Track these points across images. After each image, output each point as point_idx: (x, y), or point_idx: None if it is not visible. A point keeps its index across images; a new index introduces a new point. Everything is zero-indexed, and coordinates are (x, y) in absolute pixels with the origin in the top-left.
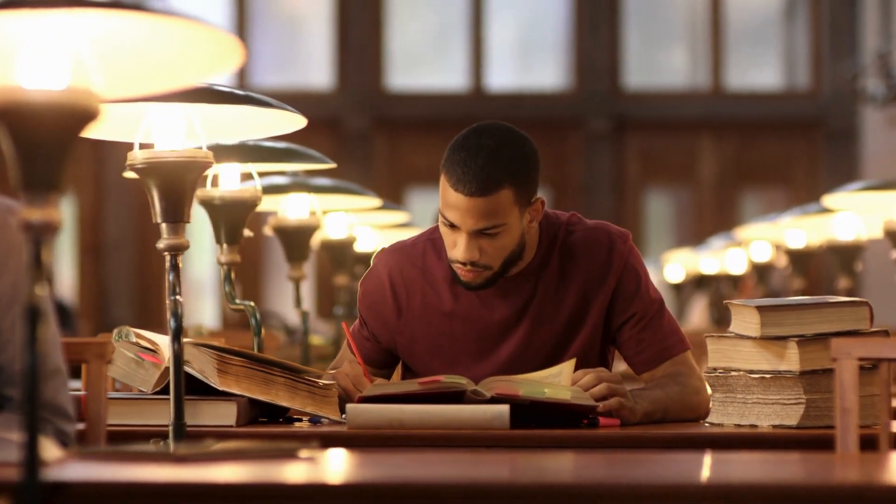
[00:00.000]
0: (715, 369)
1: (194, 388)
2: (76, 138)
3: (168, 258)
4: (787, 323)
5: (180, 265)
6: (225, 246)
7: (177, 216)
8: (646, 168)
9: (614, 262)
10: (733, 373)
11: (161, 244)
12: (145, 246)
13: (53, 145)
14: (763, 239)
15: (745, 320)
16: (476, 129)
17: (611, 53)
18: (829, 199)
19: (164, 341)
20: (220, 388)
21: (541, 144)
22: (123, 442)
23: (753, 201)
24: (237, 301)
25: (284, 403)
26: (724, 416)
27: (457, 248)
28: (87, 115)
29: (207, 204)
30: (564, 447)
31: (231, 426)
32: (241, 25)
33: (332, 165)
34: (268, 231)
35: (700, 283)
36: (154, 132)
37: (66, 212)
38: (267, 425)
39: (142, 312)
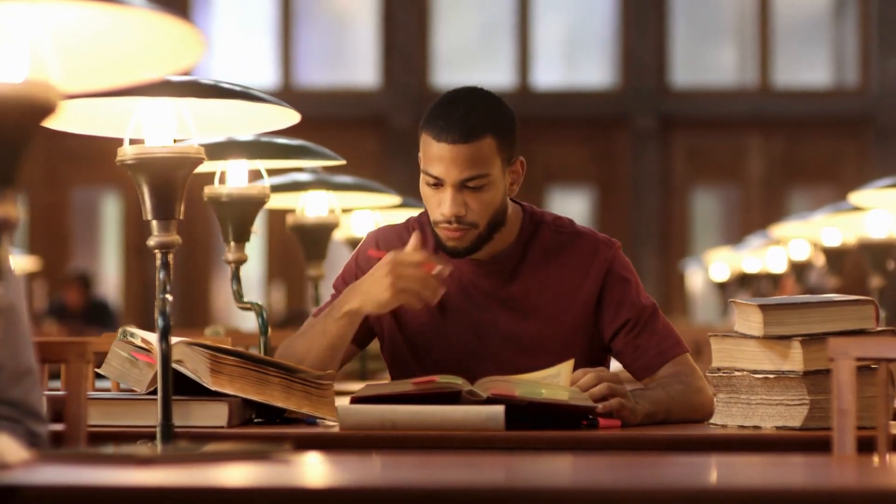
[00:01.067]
0: (719, 369)
1: (189, 388)
2: (34, 132)
3: (159, 256)
4: (790, 322)
5: (171, 263)
6: (232, 244)
7: (168, 213)
8: (693, 166)
9: (594, 269)
10: (737, 373)
11: (151, 241)
12: (188, 244)
13: (11, 140)
14: (800, 237)
15: (748, 319)
16: (450, 91)
17: (658, 51)
18: (856, 197)
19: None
20: (213, 389)
21: (587, 142)
22: (110, 443)
23: (802, 199)
24: (244, 300)
25: (279, 404)
26: (727, 417)
27: (442, 204)
28: (45, 109)
29: (215, 201)
30: (562, 449)
31: (222, 427)
32: (287, 23)
33: (342, 162)
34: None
35: (742, 282)
36: (144, 127)
37: (111, 211)
38: (261, 426)
39: (186, 311)
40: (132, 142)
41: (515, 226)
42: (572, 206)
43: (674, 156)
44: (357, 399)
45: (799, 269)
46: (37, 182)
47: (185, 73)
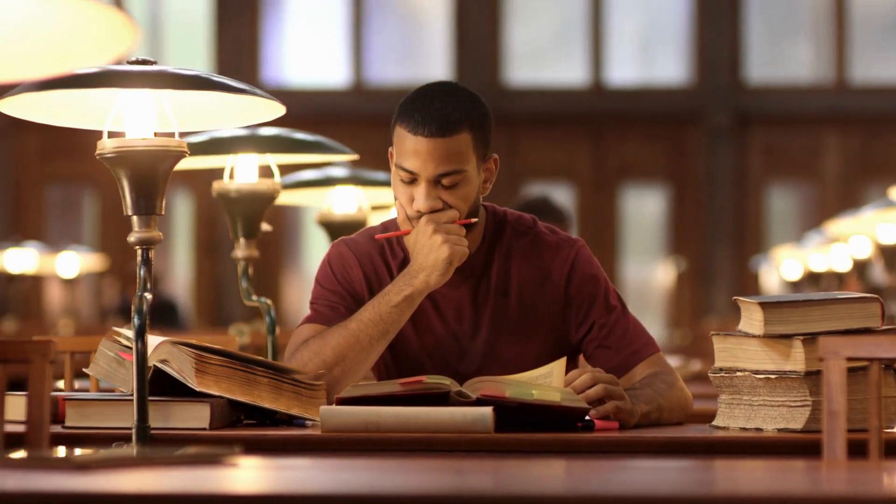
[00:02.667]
0: (721, 369)
1: (177, 389)
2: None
3: (139, 252)
4: (791, 321)
5: (152, 259)
6: (242, 240)
7: (149, 208)
8: (768, 163)
9: (556, 271)
10: (738, 373)
11: (132, 238)
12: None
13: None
14: (856, 233)
15: (750, 318)
16: (425, 85)
17: (732, 46)
18: None
19: (151, 341)
20: (198, 389)
21: (661, 139)
22: (84, 446)
23: (878, 196)
24: (253, 297)
25: (267, 405)
26: (730, 418)
27: (416, 199)
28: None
29: (223, 197)
30: (555, 453)
31: (204, 429)
32: (358, 20)
33: (355, 157)
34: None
35: (812, 280)
36: (125, 120)
37: (182, 209)
38: (247, 428)
39: (253, 310)
40: (112, 134)
41: (481, 227)
42: (646, 203)
43: (749, 152)
44: (342, 400)
45: (860, 267)
46: (107, 181)
47: (118, 62)
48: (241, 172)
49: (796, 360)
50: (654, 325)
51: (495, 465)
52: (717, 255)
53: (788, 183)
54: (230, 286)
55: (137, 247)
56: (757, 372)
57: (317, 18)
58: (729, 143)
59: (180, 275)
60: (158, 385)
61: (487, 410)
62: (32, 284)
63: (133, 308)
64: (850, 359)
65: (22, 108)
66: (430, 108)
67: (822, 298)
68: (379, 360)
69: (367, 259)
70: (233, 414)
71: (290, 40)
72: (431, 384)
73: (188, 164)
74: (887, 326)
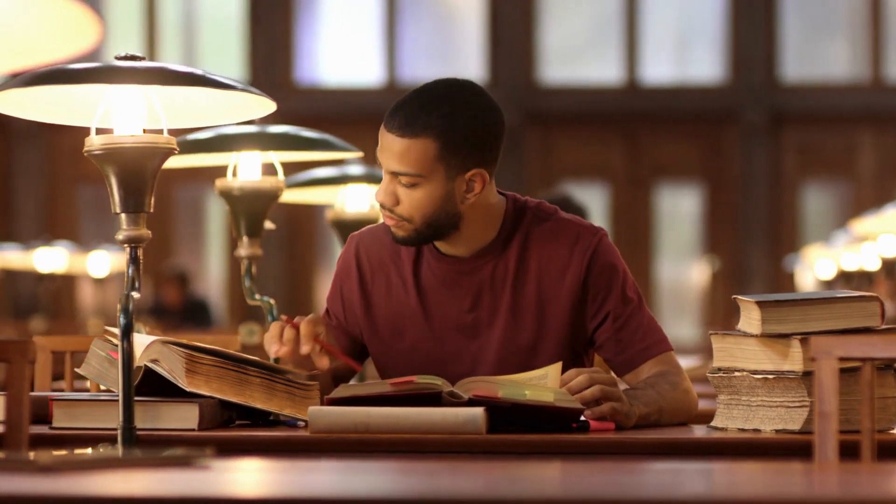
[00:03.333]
0: (719, 369)
1: (169, 389)
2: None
3: (127, 250)
4: (789, 320)
5: (140, 258)
6: (245, 239)
7: (137, 206)
8: (803, 162)
9: (576, 258)
10: (736, 373)
11: (120, 236)
12: (294, 238)
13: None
14: (885, 232)
15: (749, 317)
16: (448, 78)
17: (767, 45)
18: None
19: (142, 340)
20: (188, 390)
21: (695, 138)
22: (69, 447)
23: None
24: (256, 296)
25: (259, 405)
26: (728, 419)
27: (378, 188)
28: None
29: (226, 194)
30: (549, 454)
31: (193, 430)
32: (392, 17)
33: (359, 154)
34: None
35: (845, 279)
36: (113, 116)
37: (215, 209)
38: (239, 428)
39: (290, 309)
40: (101, 131)
41: (498, 219)
42: (680, 202)
43: (784, 151)
44: (332, 401)
45: (889, 266)
46: None
47: (82, 58)
48: (245, 170)
49: (794, 360)
50: (689, 325)
51: (487, 467)
52: (752, 254)
53: (824, 182)
54: (263, 285)
55: (126, 245)
56: (755, 372)
57: (351, 17)
58: (764, 142)
59: (213, 274)
60: (150, 385)
61: (479, 411)
62: (63, 284)
63: (119, 307)
64: (842, 359)
65: (9, 104)
66: (407, 103)
67: (821, 297)
68: (392, 349)
69: (369, 252)
70: (224, 414)
71: (325, 39)
72: (423, 384)
73: (192, 161)
74: (887, 326)
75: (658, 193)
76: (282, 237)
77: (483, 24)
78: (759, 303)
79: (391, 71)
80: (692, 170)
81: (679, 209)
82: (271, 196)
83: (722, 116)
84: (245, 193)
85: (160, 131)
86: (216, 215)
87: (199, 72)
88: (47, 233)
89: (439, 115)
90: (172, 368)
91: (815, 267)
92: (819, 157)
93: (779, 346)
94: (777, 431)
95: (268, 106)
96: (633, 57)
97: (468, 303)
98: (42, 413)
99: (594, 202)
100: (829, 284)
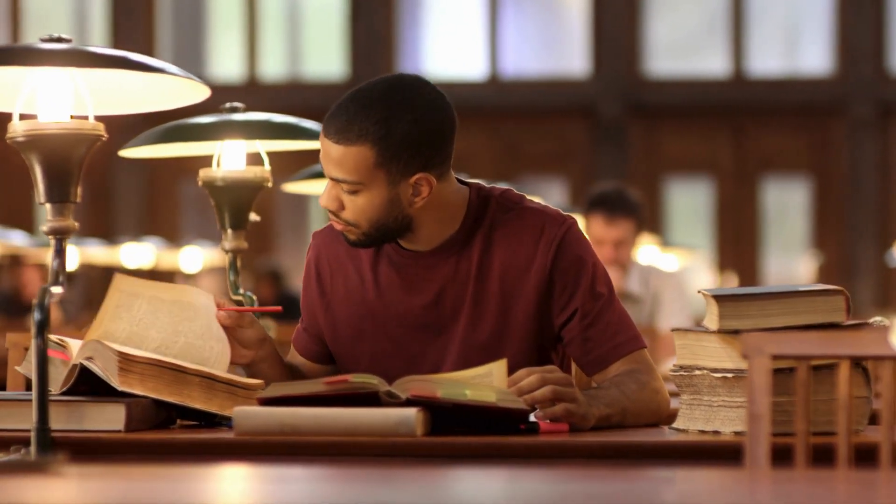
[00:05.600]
0: (681, 367)
1: (107, 389)
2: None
3: (53, 242)
4: (748, 315)
5: (66, 250)
6: (229, 231)
7: (62, 196)
8: None
9: (541, 250)
10: (697, 371)
11: (45, 227)
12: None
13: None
14: None
15: (711, 312)
16: (390, 77)
17: (876, 36)
18: None
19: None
20: (120, 389)
21: (803, 131)
22: None
23: None
24: (239, 291)
25: (198, 406)
26: (689, 420)
27: (322, 192)
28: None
29: (209, 185)
30: (493, 459)
31: (119, 431)
32: (495, 11)
33: None
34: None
35: None
36: (38, 101)
37: (315, 203)
38: (174, 429)
39: None
40: (24, 117)
41: (460, 212)
42: (787, 196)
43: (893, 144)
44: (264, 401)
45: None
46: None
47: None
48: (228, 160)
49: None
50: None
51: (424, 475)
52: (860, 249)
53: None
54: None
55: (51, 237)
56: (715, 370)
57: (454, 10)
58: (873, 135)
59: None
60: (89, 384)
61: (412, 412)
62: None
63: (35, 301)
64: (776, 357)
65: None
66: (343, 108)
67: (781, 291)
68: (354, 351)
69: (328, 250)
70: (161, 415)
71: (427, 32)
72: (357, 383)
73: (173, 150)
74: (853, 322)
75: (764, 187)
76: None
77: (587, 16)
78: (716, 297)
79: (494, 64)
80: (799, 163)
81: (785, 203)
82: (256, 187)
83: (830, 109)
84: (228, 184)
85: (85, 117)
86: (319, 210)
87: (126, 55)
88: (147, 229)
89: (375, 120)
90: (106, 367)
91: None
92: None
93: (738, 343)
94: (737, 434)
95: (202, 91)
96: (740, 48)
97: (430, 299)
98: None
99: (699, 197)
100: None
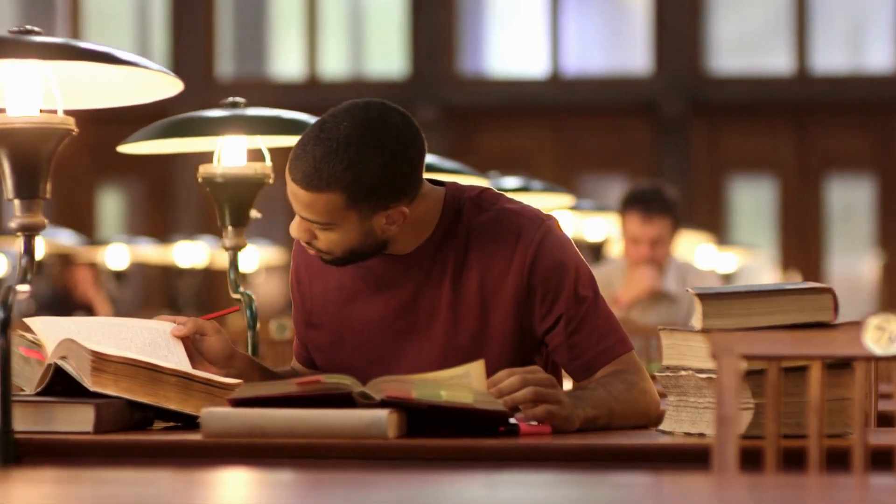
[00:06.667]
0: (667, 368)
1: (79, 389)
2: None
3: (22, 240)
4: (731, 314)
5: (34, 247)
6: (230, 229)
7: (31, 192)
8: None
9: (518, 256)
10: (682, 372)
11: (13, 223)
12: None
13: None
14: None
15: (696, 311)
16: (349, 107)
17: None
18: None
19: (53, 337)
20: (92, 389)
21: (867, 128)
22: None
23: None
24: (239, 290)
25: (174, 406)
26: (676, 422)
27: (292, 222)
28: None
29: (209, 181)
30: (469, 462)
31: (88, 433)
32: (556, 8)
33: None
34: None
35: None
36: (6, 94)
37: None
38: (147, 432)
39: None
40: None
41: (435, 215)
42: (851, 194)
43: None
44: (236, 402)
45: None
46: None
47: None
48: (228, 156)
49: None
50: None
51: (398, 479)
52: None
53: None
54: None
55: (20, 234)
56: (700, 371)
57: (516, 8)
58: None
59: None
60: (63, 384)
61: (383, 413)
62: (204, 278)
63: None
64: (746, 357)
65: None
66: (307, 152)
67: (766, 290)
68: (335, 357)
69: (308, 257)
70: (136, 416)
71: (489, 30)
72: (330, 384)
73: (173, 146)
74: (842, 321)
75: (828, 186)
76: None
77: (649, 12)
78: (699, 295)
79: (555, 62)
80: (863, 161)
81: (850, 202)
82: (257, 183)
83: (894, 106)
84: (228, 180)
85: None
86: None
87: (94, 46)
88: (205, 228)
89: (343, 167)
90: (79, 367)
91: None
92: None
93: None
94: None
95: (174, 84)
96: (804, 45)
97: (405, 301)
98: None
99: (762, 195)
100: None
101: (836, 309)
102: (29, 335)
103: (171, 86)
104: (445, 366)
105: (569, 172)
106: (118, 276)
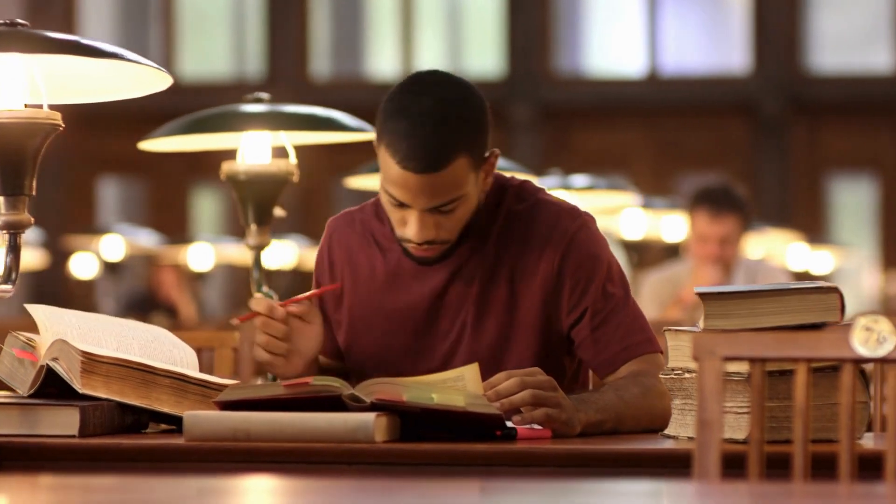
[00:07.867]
0: (672, 370)
1: (72, 391)
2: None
3: (7, 238)
4: (735, 314)
5: (20, 245)
6: (254, 227)
7: (16, 188)
8: None
9: (551, 245)
10: (687, 374)
11: None
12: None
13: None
14: None
15: (702, 312)
16: (412, 86)
17: None
18: None
19: (52, 328)
20: (81, 391)
21: None
22: None
23: None
24: (262, 289)
25: (167, 409)
26: (681, 426)
27: (408, 226)
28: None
29: (232, 179)
30: (459, 467)
31: (73, 436)
32: (654, 5)
33: (372, 136)
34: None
35: None
36: None
37: None
38: (137, 435)
39: None
40: None
41: (480, 197)
42: None
43: None
44: (222, 404)
45: None
46: None
47: None
48: (252, 153)
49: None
50: None
51: (384, 485)
52: None
53: None
54: None
55: (5, 231)
56: None
57: (613, 7)
58: None
59: None
60: (56, 385)
61: (370, 417)
62: (293, 279)
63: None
64: (728, 359)
65: None
66: (418, 134)
67: (770, 290)
68: (360, 343)
69: (341, 239)
70: (128, 419)
71: (586, 29)
72: (318, 386)
73: (195, 143)
74: (847, 322)
75: None
76: None
77: (748, 11)
78: (702, 295)
79: (653, 60)
80: None
81: None
82: (281, 180)
83: None
84: (251, 178)
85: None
86: None
87: (80, 39)
88: (298, 227)
89: (455, 127)
90: (70, 368)
91: None
92: None
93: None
94: (726, 441)
95: (164, 79)
96: None
97: (439, 292)
98: None
99: (862, 195)
100: None
101: (842, 309)
102: (23, 336)
103: (160, 80)
104: (474, 353)
105: (665, 171)
106: (203, 276)
